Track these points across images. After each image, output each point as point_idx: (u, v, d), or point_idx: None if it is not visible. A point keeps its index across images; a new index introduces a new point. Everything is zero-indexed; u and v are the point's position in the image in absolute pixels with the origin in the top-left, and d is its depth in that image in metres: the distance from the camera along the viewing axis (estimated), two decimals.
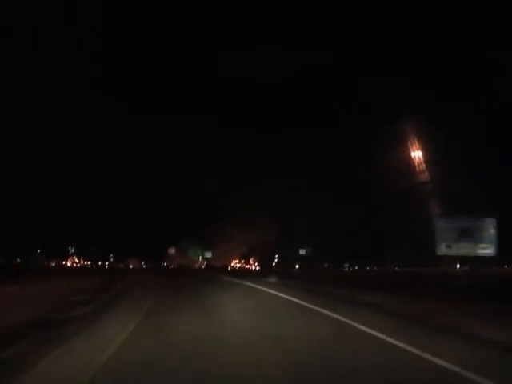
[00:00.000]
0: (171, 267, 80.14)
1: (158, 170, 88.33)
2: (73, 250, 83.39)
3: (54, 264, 74.81)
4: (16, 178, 66.75)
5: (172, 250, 49.55)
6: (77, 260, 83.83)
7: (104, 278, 22.63)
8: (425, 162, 32.96)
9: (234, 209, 74.14)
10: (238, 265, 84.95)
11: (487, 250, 27.99)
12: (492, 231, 28.12)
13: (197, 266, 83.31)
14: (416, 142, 32.71)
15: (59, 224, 72.37)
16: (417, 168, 33.34)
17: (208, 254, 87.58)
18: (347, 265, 76.61)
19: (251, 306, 12.11)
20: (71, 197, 74.94)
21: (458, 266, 51.18)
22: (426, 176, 33.22)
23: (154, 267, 78.57)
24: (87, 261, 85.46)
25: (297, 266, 76.43)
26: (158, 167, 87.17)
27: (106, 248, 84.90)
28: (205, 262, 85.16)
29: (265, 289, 17.83)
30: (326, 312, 9.95)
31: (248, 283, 21.81)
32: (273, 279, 25.43)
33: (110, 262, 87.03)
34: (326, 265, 75.08)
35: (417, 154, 33.08)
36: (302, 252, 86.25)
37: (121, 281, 21.58)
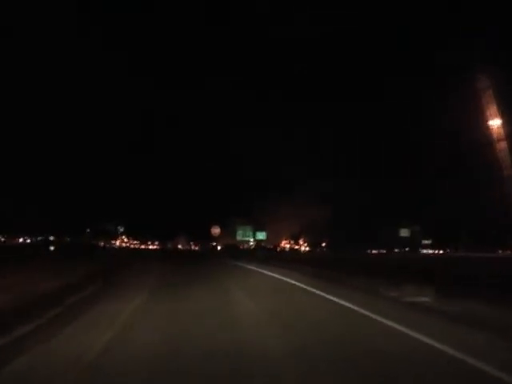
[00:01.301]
0: (219, 248, 75.51)
1: (210, 147, 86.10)
2: (122, 230, 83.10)
3: (102, 244, 74.84)
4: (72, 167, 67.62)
5: (216, 230, 44.06)
6: (126, 240, 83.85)
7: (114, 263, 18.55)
8: None
9: (289, 182, 67.73)
10: (288, 245, 78.54)
11: None
12: None
13: (246, 246, 77.46)
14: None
15: (109, 204, 72.22)
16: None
17: (261, 235, 77.78)
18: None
19: None
20: (121, 178, 74.65)
21: None
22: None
23: (201, 249, 75.32)
24: (136, 240, 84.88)
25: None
26: (211, 144, 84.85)
27: (155, 227, 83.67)
28: (254, 243, 77.83)
29: None
30: None
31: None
32: (419, 296, 8.43)
33: (160, 242, 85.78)
34: None
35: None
36: (405, 233, 67.42)
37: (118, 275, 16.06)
